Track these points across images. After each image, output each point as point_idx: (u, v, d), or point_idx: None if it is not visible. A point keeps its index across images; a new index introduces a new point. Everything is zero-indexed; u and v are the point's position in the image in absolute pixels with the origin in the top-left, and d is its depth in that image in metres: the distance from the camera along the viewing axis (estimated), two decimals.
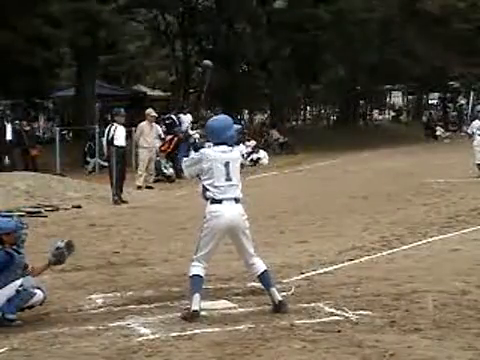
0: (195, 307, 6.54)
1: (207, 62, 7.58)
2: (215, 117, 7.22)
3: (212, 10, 36.07)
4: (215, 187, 6.66)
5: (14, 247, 6.87)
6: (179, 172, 22.34)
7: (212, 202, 6.65)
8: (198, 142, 7.33)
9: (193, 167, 6.83)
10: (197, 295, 6.57)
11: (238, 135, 7.26)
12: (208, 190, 6.69)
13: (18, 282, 6.75)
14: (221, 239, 6.78)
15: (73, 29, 26.38)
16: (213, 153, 6.73)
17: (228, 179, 6.68)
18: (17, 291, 6.71)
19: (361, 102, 47.68)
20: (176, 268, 8.89)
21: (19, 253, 6.91)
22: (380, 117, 53.82)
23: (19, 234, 6.94)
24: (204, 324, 6.37)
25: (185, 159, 6.89)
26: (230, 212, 6.62)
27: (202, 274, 6.67)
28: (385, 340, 5.77)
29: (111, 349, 5.79)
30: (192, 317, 6.50)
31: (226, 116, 7.16)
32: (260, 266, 6.79)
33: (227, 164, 6.71)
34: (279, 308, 6.69)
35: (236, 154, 6.89)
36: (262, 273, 6.78)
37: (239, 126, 7.21)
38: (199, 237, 6.74)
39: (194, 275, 6.66)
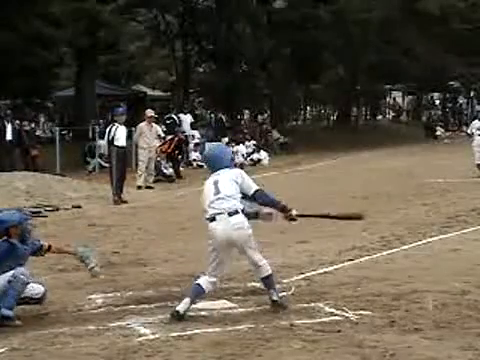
0: (178, 308, 6.59)
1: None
2: (211, 148, 7.36)
3: (212, 10, 36.03)
4: (209, 206, 6.75)
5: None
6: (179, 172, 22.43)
7: (209, 220, 6.73)
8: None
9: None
10: (187, 299, 6.61)
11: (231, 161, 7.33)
12: (205, 211, 6.79)
13: (9, 273, 6.75)
14: (226, 253, 6.76)
15: (73, 29, 26.38)
16: (207, 181, 6.88)
17: (216, 193, 6.73)
18: (9, 281, 6.70)
19: (361, 102, 47.63)
20: (176, 268, 8.90)
21: (24, 244, 6.95)
22: (380, 117, 53.79)
23: (25, 226, 7.04)
24: (204, 324, 6.37)
25: None
26: (222, 228, 6.63)
27: (204, 286, 6.69)
28: (385, 340, 5.77)
29: (111, 349, 5.79)
30: (171, 316, 6.55)
31: (221, 146, 7.42)
32: (264, 271, 6.78)
33: (216, 182, 6.80)
34: (277, 308, 6.71)
35: (229, 173, 6.87)
36: (266, 277, 6.79)
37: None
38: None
39: (196, 283, 6.74)
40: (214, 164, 6.99)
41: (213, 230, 6.68)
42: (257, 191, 6.84)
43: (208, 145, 7.46)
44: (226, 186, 6.75)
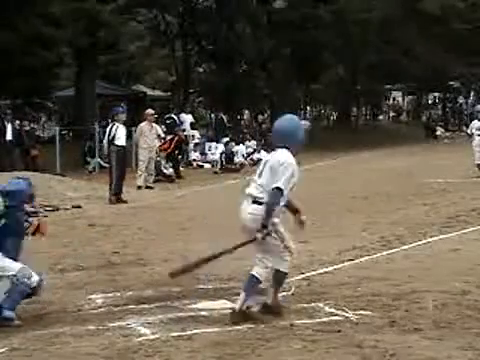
0: (236, 306, 6.40)
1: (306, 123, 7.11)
2: (281, 120, 6.77)
3: (212, 10, 36.06)
4: (250, 182, 6.65)
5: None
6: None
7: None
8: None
9: None
10: (243, 294, 6.42)
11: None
12: None
13: (15, 267, 6.71)
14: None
15: (73, 29, 26.41)
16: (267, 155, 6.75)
17: (259, 176, 6.56)
18: (14, 284, 6.67)
19: (361, 102, 47.66)
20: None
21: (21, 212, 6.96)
22: (381, 117, 53.82)
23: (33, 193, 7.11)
24: (204, 324, 6.36)
25: None
26: (243, 209, 6.51)
27: (258, 275, 6.44)
28: (385, 340, 5.77)
29: (111, 349, 5.79)
30: (231, 316, 6.36)
31: (292, 121, 6.74)
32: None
33: (265, 163, 6.60)
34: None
35: (276, 158, 6.54)
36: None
37: (307, 123, 6.87)
38: None
39: (250, 274, 6.51)
40: (276, 139, 6.71)
41: (240, 208, 6.58)
42: (273, 189, 6.37)
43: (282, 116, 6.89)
44: (266, 173, 6.49)
